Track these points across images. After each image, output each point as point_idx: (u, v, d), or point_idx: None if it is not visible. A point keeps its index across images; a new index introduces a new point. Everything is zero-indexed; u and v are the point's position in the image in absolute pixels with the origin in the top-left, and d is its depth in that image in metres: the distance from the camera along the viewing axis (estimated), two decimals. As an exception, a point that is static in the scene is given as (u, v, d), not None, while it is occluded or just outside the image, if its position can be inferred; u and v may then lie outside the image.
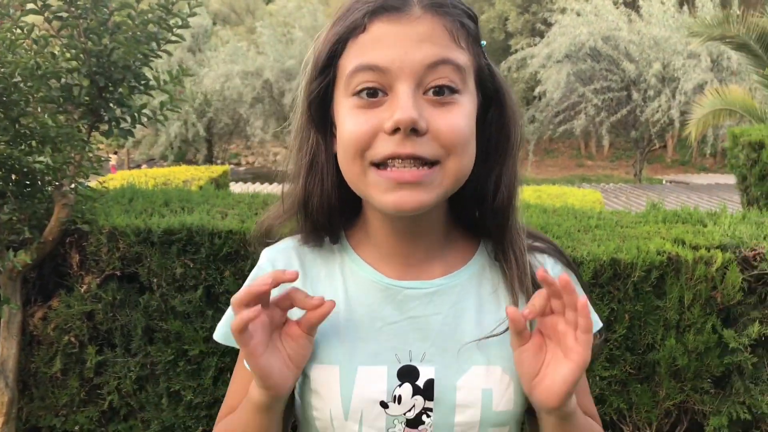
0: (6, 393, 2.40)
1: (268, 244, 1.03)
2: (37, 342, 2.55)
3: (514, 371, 0.88)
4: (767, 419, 2.25)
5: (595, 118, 19.97)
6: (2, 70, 2.21)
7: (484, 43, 0.90)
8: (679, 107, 17.67)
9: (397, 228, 0.91)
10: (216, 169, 9.45)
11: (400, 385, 0.88)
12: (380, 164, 0.82)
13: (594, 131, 21.04)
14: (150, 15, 2.40)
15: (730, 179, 7.09)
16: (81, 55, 2.33)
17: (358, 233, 0.97)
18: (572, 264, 1.01)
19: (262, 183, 16.37)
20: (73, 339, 2.49)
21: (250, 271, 2.53)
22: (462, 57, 0.83)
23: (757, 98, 11.06)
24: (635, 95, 19.24)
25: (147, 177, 6.82)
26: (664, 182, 20.15)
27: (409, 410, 0.88)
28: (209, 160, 21.66)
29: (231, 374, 2.73)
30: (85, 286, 2.46)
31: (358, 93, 0.82)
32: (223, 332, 1.01)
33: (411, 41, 0.80)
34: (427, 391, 0.88)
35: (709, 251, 2.25)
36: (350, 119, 0.82)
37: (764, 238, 2.32)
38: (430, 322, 0.90)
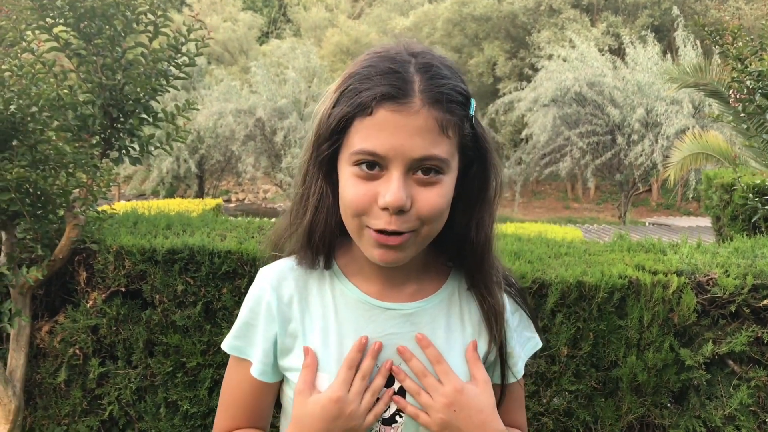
0: (13, 401, 2.55)
1: (276, 257, 1.18)
2: (42, 354, 2.71)
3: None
4: (720, 432, 2.44)
5: (580, 161, 20.37)
6: (20, 101, 2.42)
7: (473, 102, 1.03)
8: (662, 152, 18.04)
9: None
10: (209, 202, 9.67)
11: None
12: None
13: (579, 174, 21.45)
14: (161, 54, 2.63)
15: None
16: (96, 89, 2.55)
17: (345, 257, 1.13)
18: (527, 304, 1.21)
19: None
20: (77, 351, 2.66)
21: (246, 288, 2.73)
22: (446, 148, 0.97)
23: (736, 144, 11.43)
24: (619, 139, 19.66)
25: (145, 208, 6.99)
26: (647, 224, 20.47)
27: (386, 410, 1.06)
28: (200, 196, 21.74)
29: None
30: (91, 302, 2.63)
31: (359, 164, 0.97)
32: (231, 344, 1.16)
33: (407, 133, 0.94)
34: (401, 396, 1.06)
35: (666, 276, 2.46)
36: (351, 186, 0.98)
37: (717, 266, 2.54)
38: (406, 338, 1.08)
